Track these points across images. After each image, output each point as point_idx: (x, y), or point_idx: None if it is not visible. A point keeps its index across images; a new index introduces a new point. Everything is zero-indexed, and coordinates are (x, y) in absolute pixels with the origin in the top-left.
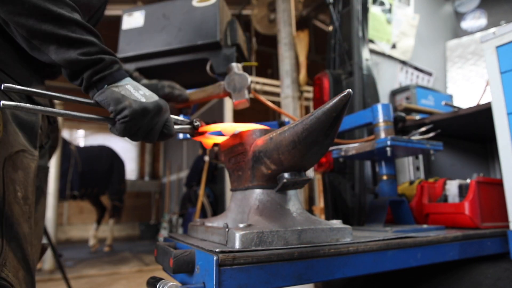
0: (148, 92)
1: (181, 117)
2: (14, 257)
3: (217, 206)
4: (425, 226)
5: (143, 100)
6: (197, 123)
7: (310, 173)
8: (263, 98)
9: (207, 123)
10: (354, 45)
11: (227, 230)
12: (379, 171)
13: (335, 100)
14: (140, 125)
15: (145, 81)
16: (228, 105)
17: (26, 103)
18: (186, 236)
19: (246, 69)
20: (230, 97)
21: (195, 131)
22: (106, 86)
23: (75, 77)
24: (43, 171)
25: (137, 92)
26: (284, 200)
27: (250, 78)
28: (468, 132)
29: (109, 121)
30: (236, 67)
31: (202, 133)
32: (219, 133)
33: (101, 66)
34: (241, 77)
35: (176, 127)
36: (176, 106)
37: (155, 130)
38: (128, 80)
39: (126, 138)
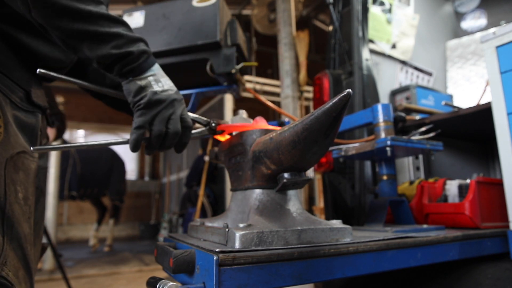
0: (166, 85)
1: (198, 116)
2: (14, 256)
3: (217, 206)
4: (425, 226)
5: (159, 90)
6: (214, 123)
7: (310, 173)
8: (263, 98)
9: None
10: (354, 45)
11: (227, 230)
12: (379, 171)
13: (335, 100)
14: (153, 113)
15: None
16: (228, 104)
17: (26, 104)
18: (186, 236)
19: (246, 69)
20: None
21: (213, 130)
22: (130, 78)
23: (110, 70)
24: (42, 171)
25: (156, 84)
26: (284, 200)
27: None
28: (468, 132)
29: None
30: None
31: (222, 132)
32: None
33: (129, 59)
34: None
35: (193, 131)
36: None
37: (173, 120)
38: (152, 70)
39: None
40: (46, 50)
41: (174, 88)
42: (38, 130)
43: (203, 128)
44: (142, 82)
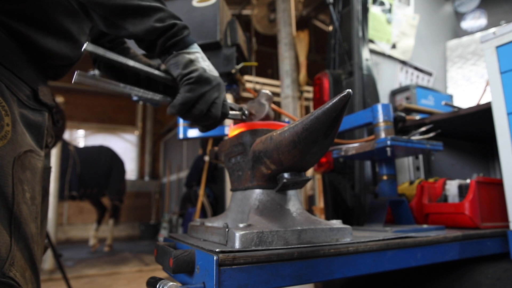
0: (211, 66)
1: (231, 102)
2: (22, 257)
3: (217, 206)
4: (425, 226)
5: (208, 70)
6: (247, 111)
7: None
8: None
9: None
10: (354, 45)
11: (227, 230)
12: (379, 171)
13: (335, 100)
14: (202, 91)
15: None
16: None
17: (33, 102)
18: (186, 236)
19: (246, 69)
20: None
21: (246, 116)
22: (174, 52)
23: (152, 47)
24: (46, 171)
25: (203, 62)
26: (284, 200)
27: (267, 109)
28: (468, 132)
29: (171, 92)
30: (265, 95)
31: (251, 120)
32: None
33: (174, 31)
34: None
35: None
36: None
37: (217, 104)
38: (196, 47)
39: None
40: (54, 47)
41: (216, 72)
42: (45, 129)
43: (237, 112)
44: (191, 56)
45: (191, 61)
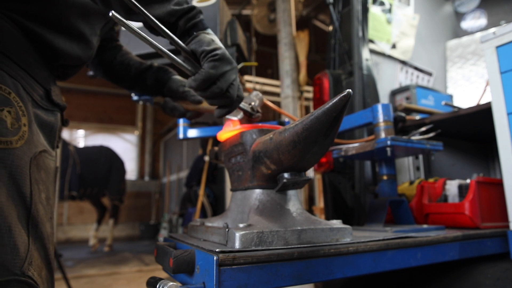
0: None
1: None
2: (38, 256)
3: (217, 206)
4: (425, 226)
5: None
6: (256, 110)
7: (310, 173)
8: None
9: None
10: (354, 45)
11: (227, 230)
12: (379, 171)
13: (335, 100)
14: (223, 70)
15: (177, 76)
16: None
17: (46, 102)
18: (186, 236)
19: (246, 69)
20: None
21: (255, 112)
22: (195, 33)
23: (173, 30)
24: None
25: (220, 43)
26: (284, 200)
27: (256, 101)
28: (468, 132)
29: (193, 67)
30: (255, 95)
31: (254, 120)
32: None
33: (193, 13)
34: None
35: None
36: (187, 106)
37: (234, 86)
38: (212, 31)
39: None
40: (67, 47)
41: None
42: (57, 129)
43: (247, 105)
44: (212, 37)
45: (213, 40)
